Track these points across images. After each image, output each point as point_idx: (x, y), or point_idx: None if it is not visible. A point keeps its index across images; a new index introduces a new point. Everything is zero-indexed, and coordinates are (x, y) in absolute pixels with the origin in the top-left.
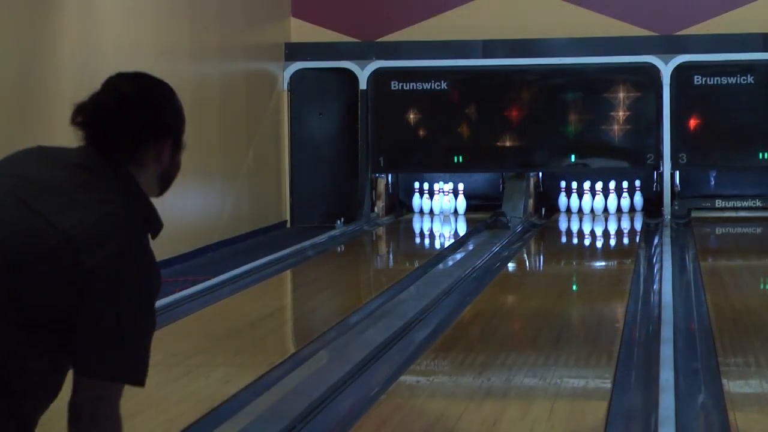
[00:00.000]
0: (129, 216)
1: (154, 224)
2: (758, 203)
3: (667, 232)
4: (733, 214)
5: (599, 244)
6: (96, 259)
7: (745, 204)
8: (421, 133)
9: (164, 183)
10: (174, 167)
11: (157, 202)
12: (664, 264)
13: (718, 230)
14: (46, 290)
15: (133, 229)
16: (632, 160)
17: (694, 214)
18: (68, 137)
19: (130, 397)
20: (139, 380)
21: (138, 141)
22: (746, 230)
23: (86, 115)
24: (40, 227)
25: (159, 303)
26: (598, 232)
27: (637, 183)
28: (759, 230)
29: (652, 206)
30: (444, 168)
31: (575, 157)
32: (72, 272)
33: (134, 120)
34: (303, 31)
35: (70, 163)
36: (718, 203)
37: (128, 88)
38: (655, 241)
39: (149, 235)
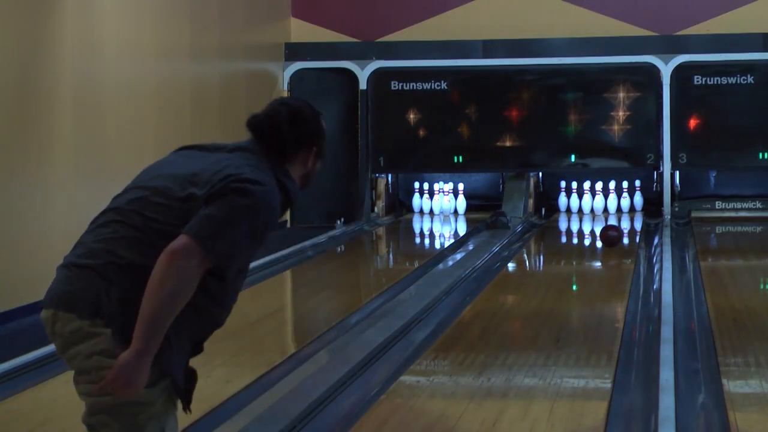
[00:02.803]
0: (273, 182)
1: (290, 196)
2: (758, 205)
3: (667, 232)
4: (733, 214)
5: (599, 244)
6: (240, 185)
7: (745, 206)
8: (421, 133)
9: (305, 181)
10: (314, 171)
11: None
12: (664, 264)
13: (718, 230)
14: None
15: (271, 186)
16: (632, 160)
17: (694, 214)
18: (69, 137)
19: None
20: (213, 254)
21: (295, 147)
22: (746, 230)
23: (263, 121)
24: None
25: None
26: (598, 232)
27: (637, 183)
28: (759, 230)
29: (652, 206)
30: (444, 168)
31: (575, 157)
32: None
33: (296, 131)
34: (303, 31)
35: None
36: (718, 205)
37: (292, 108)
38: (655, 241)
39: (286, 206)
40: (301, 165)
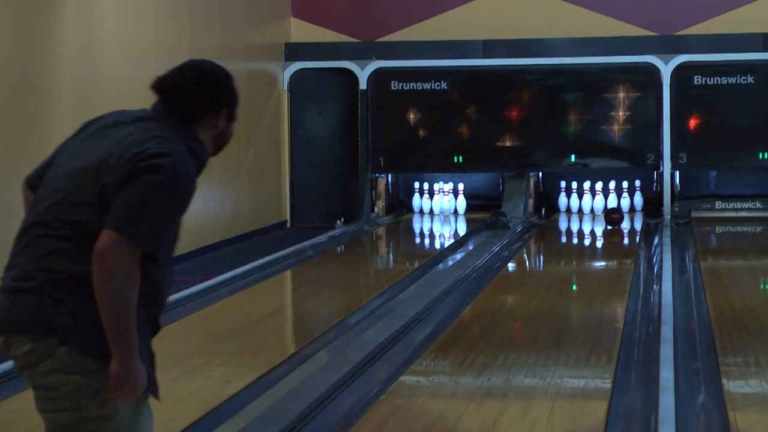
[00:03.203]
0: (182, 148)
1: (201, 159)
2: (758, 205)
3: (667, 232)
4: (733, 214)
5: (599, 244)
6: (148, 162)
7: (745, 206)
8: (421, 133)
9: (217, 145)
10: (227, 133)
11: None
12: (664, 264)
13: (718, 230)
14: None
15: (180, 154)
16: (632, 160)
17: (694, 214)
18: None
19: None
20: (140, 241)
21: (203, 108)
22: (746, 230)
23: (166, 83)
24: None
25: None
26: (598, 232)
27: (637, 183)
28: (759, 230)
29: (652, 206)
30: (444, 168)
31: (575, 157)
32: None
33: (203, 93)
34: (303, 31)
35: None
36: (718, 205)
37: (202, 69)
38: (655, 241)
39: (199, 170)
40: (211, 127)
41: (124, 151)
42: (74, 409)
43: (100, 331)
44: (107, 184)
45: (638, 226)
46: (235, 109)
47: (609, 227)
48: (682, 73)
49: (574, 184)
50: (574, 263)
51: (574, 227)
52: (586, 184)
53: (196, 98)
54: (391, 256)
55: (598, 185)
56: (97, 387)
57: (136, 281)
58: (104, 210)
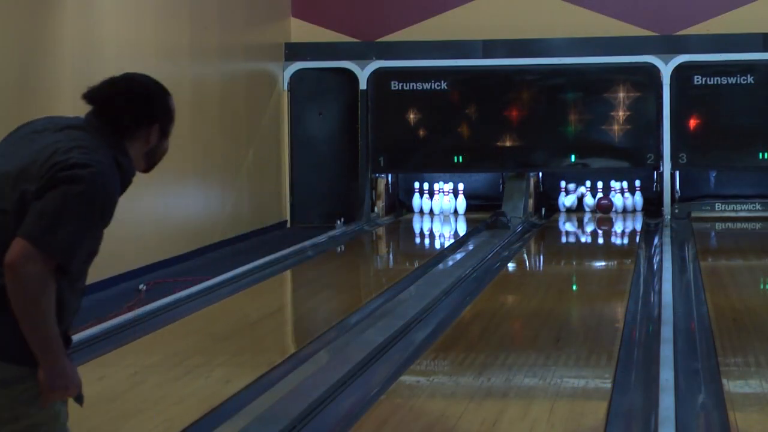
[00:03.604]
0: (109, 160)
1: (127, 175)
2: (757, 206)
3: (667, 232)
4: (733, 214)
5: (599, 244)
6: (68, 173)
7: (745, 207)
8: (421, 133)
9: (150, 160)
10: (159, 149)
11: (158, 202)
12: (664, 264)
13: (718, 230)
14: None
15: (104, 166)
16: (632, 160)
17: (694, 214)
18: None
19: (130, 398)
20: (53, 252)
21: (132, 122)
22: (746, 230)
23: (97, 94)
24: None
25: (159, 303)
26: (598, 232)
27: (637, 183)
28: (759, 230)
29: (652, 206)
30: (444, 168)
31: (575, 157)
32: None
33: (133, 106)
34: (303, 31)
35: (76, 126)
36: (718, 206)
37: (134, 81)
38: (655, 241)
39: (124, 185)
40: (143, 142)
41: (47, 158)
42: (17, 419)
43: (23, 338)
44: (26, 191)
45: (638, 226)
46: (168, 126)
47: (601, 214)
48: (682, 73)
49: (574, 185)
50: (574, 263)
51: (574, 227)
52: (587, 184)
53: (126, 111)
54: (391, 256)
55: (599, 185)
56: (34, 392)
57: (51, 290)
58: (22, 218)
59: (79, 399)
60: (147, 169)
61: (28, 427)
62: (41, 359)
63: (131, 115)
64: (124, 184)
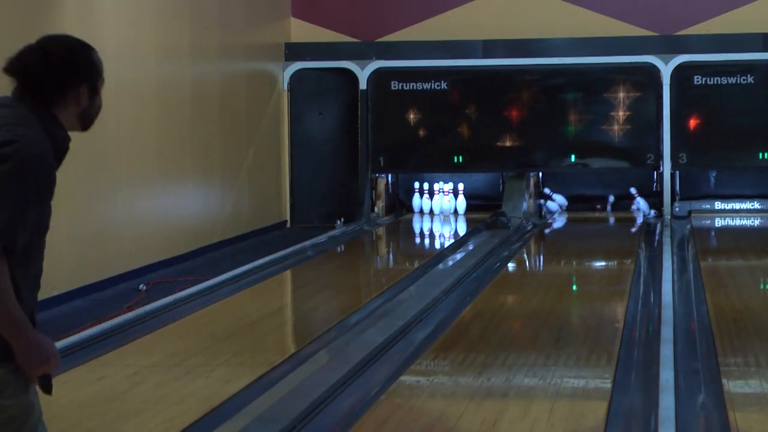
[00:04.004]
0: (37, 132)
1: (60, 144)
2: (756, 205)
3: (667, 232)
4: (732, 214)
5: (599, 244)
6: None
7: (744, 206)
8: (421, 133)
9: (85, 121)
10: (93, 108)
11: (158, 202)
12: (664, 264)
13: (718, 230)
14: None
15: (30, 139)
16: (632, 160)
17: (694, 214)
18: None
19: (130, 398)
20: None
21: (56, 87)
22: (746, 230)
23: (15, 65)
24: None
25: (159, 303)
26: (599, 232)
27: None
28: (759, 230)
29: (652, 206)
30: (444, 168)
31: (575, 157)
32: None
33: (54, 71)
34: (303, 31)
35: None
36: (718, 205)
37: (50, 45)
38: (655, 241)
39: (59, 154)
40: (74, 105)
41: None
42: None
43: None
44: None
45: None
46: (97, 82)
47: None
48: (682, 73)
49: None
50: (574, 263)
51: (574, 227)
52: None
53: (46, 77)
54: (391, 256)
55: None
56: (4, 384)
57: (3, 271)
58: None
59: (47, 387)
60: (85, 128)
61: (4, 421)
62: (12, 341)
63: (54, 81)
64: (59, 154)
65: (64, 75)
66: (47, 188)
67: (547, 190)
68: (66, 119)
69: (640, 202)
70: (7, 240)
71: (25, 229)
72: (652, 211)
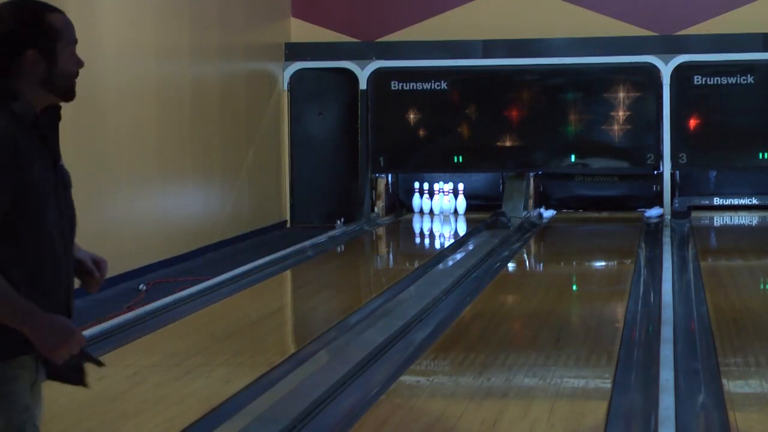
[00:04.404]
0: None
1: (25, 118)
2: (755, 201)
3: (667, 232)
4: (732, 214)
5: (599, 244)
6: None
7: (743, 202)
8: (421, 133)
9: (53, 89)
10: (56, 74)
11: (158, 202)
12: (664, 264)
13: (718, 230)
14: None
15: None
16: (632, 160)
17: (694, 213)
18: (68, 137)
19: (130, 398)
20: None
21: (4, 54)
22: (746, 230)
23: None
24: None
25: (159, 303)
26: (598, 232)
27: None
28: (759, 230)
29: (653, 206)
30: (444, 168)
31: (575, 157)
32: None
33: None
34: (303, 31)
35: None
36: (717, 200)
37: None
38: (655, 241)
39: (20, 127)
40: (31, 74)
41: None
42: None
43: None
44: None
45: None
46: (53, 44)
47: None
48: (682, 73)
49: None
50: (574, 263)
51: (574, 227)
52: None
53: None
54: (391, 256)
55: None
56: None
57: None
58: None
59: (94, 362)
60: (63, 97)
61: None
62: (22, 329)
63: None
64: (25, 126)
65: (7, 42)
66: (9, 168)
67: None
68: (29, 90)
69: (654, 211)
70: None
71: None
72: (657, 210)
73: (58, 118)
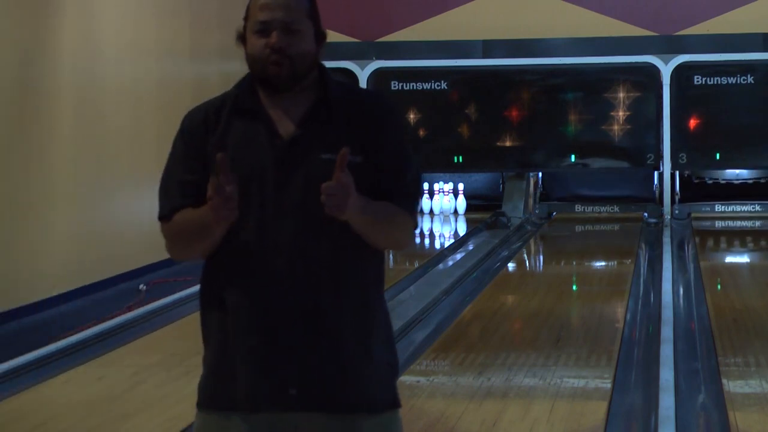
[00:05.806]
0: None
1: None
2: (757, 207)
3: (667, 232)
4: (732, 215)
5: (599, 244)
6: None
7: (745, 209)
8: (421, 133)
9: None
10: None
11: (156, 202)
12: (664, 264)
13: (718, 230)
14: None
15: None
16: (632, 160)
17: (694, 214)
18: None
19: (130, 398)
20: (158, 214)
21: None
22: (746, 230)
23: None
24: None
25: (159, 303)
26: (598, 232)
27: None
28: (759, 230)
29: (653, 206)
30: (444, 168)
31: (575, 157)
32: None
33: None
34: None
35: None
36: (718, 208)
37: None
38: (655, 241)
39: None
40: None
41: None
42: None
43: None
44: None
45: (638, 226)
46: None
47: None
48: (682, 73)
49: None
50: (574, 263)
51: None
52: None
53: None
54: (391, 256)
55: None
56: None
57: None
58: None
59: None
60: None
61: None
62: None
63: None
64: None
65: None
66: (196, 148)
67: None
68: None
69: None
70: (161, 205)
71: (166, 196)
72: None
73: None
